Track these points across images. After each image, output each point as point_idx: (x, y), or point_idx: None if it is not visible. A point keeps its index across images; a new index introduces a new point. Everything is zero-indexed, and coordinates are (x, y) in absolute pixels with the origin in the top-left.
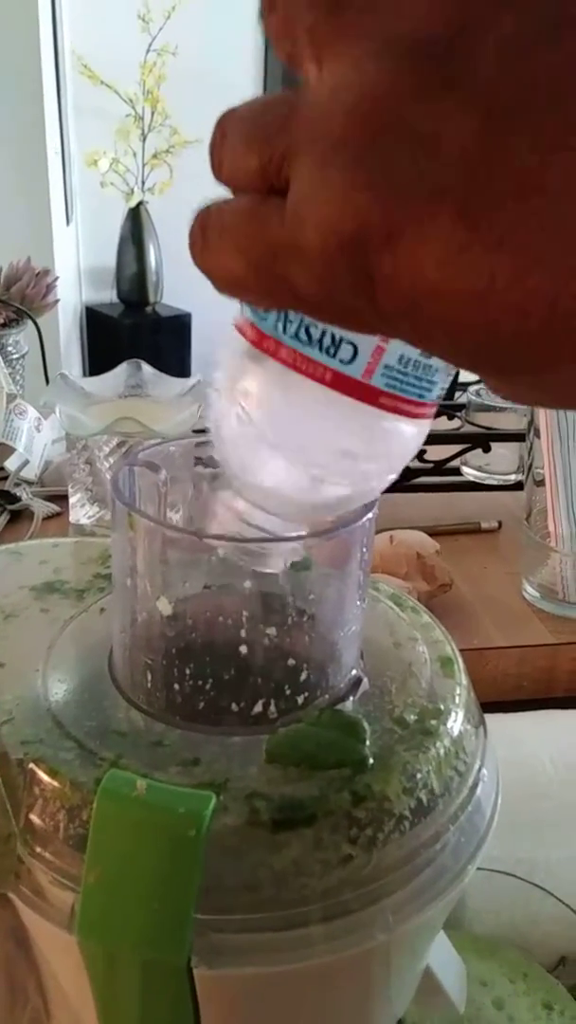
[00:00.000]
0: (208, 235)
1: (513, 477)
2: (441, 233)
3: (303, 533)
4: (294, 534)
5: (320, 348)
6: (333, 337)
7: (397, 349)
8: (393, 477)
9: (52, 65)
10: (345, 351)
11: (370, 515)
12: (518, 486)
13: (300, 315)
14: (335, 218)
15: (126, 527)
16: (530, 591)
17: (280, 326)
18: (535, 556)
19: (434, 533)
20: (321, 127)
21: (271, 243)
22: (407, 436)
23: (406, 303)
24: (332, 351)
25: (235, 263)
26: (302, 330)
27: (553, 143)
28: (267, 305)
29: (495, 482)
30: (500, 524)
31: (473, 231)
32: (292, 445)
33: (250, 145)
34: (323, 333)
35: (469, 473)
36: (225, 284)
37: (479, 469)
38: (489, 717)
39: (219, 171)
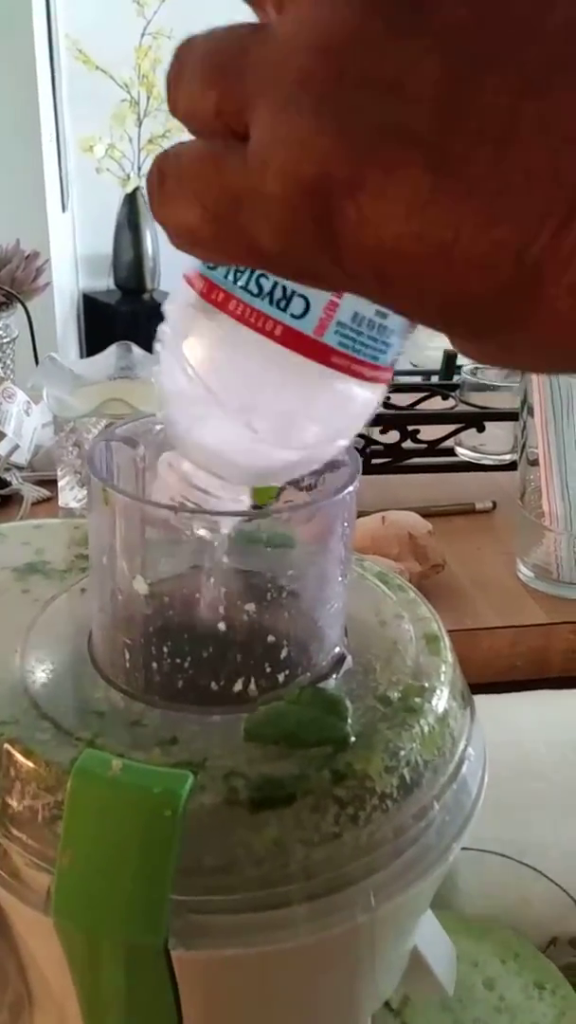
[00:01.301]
0: (165, 183)
1: (508, 457)
2: (407, 182)
3: (277, 506)
4: (242, 507)
5: (271, 301)
6: (284, 290)
7: (351, 306)
8: (343, 443)
9: (46, 50)
10: (296, 305)
11: (350, 488)
12: (513, 466)
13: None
14: (297, 165)
15: (102, 503)
16: (524, 571)
17: (230, 277)
18: (529, 536)
19: (428, 514)
20: (282, 68)
21: (230, 191)
22: (359, 400)
23: (370, 258)
24: (283, 304)
25: (192, 213)
26: (252, 281)
27: (524, 86)
28: (224, 260)
29: (489, 462)
30: (494, 504)
31: (440, 179)
32: (238, 403)
33: (207, 84)
34: (274, 285)
35: (463, 453)
36: (181, 237)
37: (473, 449)
38: (482, 698)
39: (175, 109)
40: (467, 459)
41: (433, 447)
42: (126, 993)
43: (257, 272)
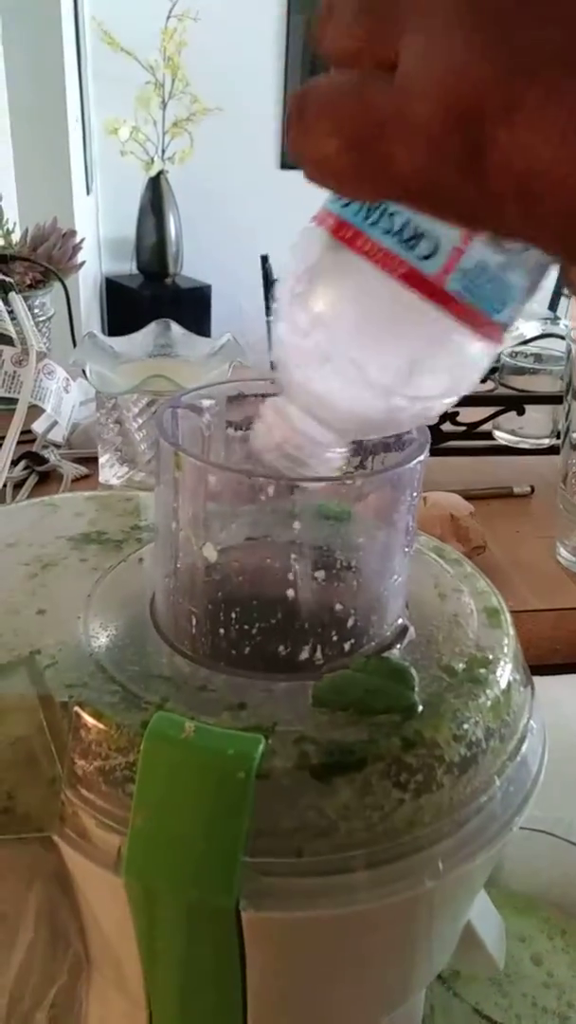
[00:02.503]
0: (305, 114)
1: (546, 441)
2: (565, 104)
3: (351, 473)
4: (339, 460)
5: (399, 239)
6: (415, 229)
7: (477, 254)
8: (451, 401)
9: (72, 32)
10: (424, 246)
11: (420, 458)
12: (550, 451)
13: (383, 203)
14: (450, 88)
15: (172, 468)
16: (564, 555)
17: (361, 214)
18: (570, 519)
19: (466, 497)
20: None
21: (374, 119)
22: (471, 355)
23: (518, 183)
24: (412, 244)
25: (332, 143)
26: (384, 218)
27: None
28: (360, 192)
29: (528, 446)
30: (532, 489)
31: None
32: (354, 345)
33: (359, 17)
34: (405, 224)
35: (501, 437)
36: (320, 168)
37: (511, 433)
38: None
39: (322, 43)
40: (505, 443)
41: (472, 430)
42: (192, 954)
43: (390, 210)
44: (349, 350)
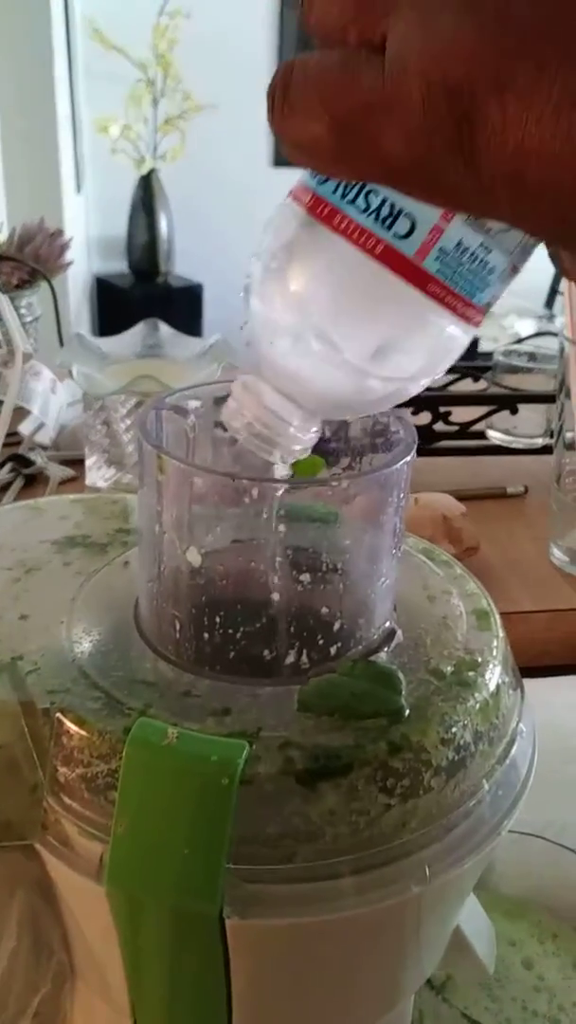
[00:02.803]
0: (290, 92)
1: (540, 441)
2: (558, 80)
3: (337, 475)
4: (310, 440)
5: (377, 218)
6: (392, 207)
7: (456, 234)
8: (425, 382)
9: (63, 29)
10: (402, 225)
11: (407, 459)
12: (544, 450)
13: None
14: (441, 65)
15: (155, 471)
16: (558, 555)
17: (339, 192)
18: (564, 520)
19: (458, 497)
20: None
21: (362, 98)
22: (448, 337)
23: (509, 161)
24: (389, 223)
25: (318, 123)
26: (361, 197)
27: None
28: (345, 173)
29: (520, 446)
30: (526, 489)
31: None
32: (329, 325)
33: None
34: (382, 202)
35: (494, 436)
36: (303, 149)
37: (505, 432)
38: None
39: (308, 18)
40: (498, 442)
41: (465, 429)
42: (177, 962)
43: (367, 187)
44: (322, 328)
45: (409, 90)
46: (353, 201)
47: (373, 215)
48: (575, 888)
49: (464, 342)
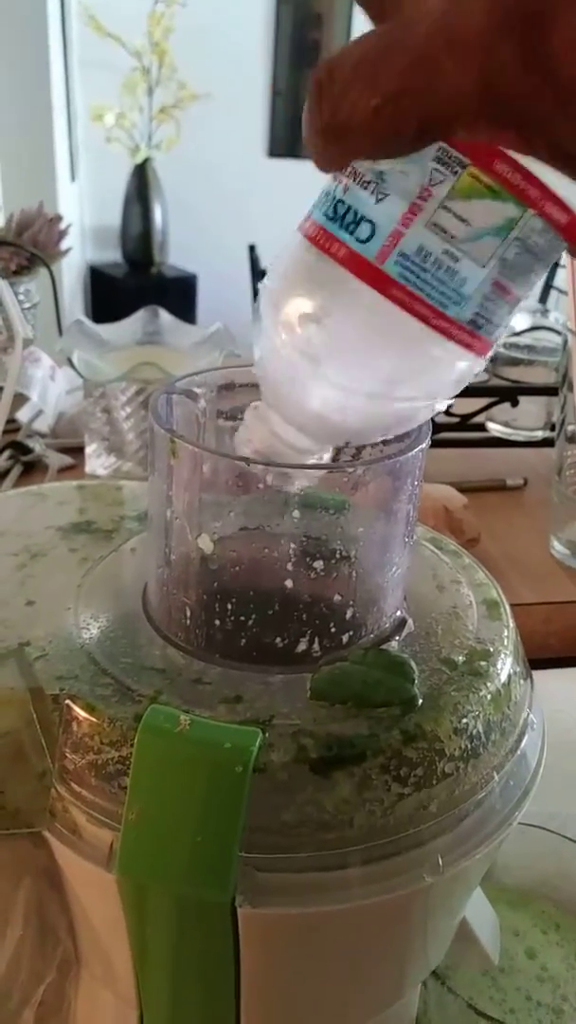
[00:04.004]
0: (337, 74)
1: (540, 433)
2: None
3: (352, 461)
4: (341, 460)
5: (342, 224)
6: (355, 214)
7: (417, 239)
8: (438, 406)
9: (58, 16)
10: (363, 230)
11: (423, 446)
12: (545, 442)
13: (335, 193)
14: None
15: (167, 455)
16: (558, 548)
17: (320, 207)
18: (565, 512)
19: (459, 489)
20: None
21: (415, 51)
22: (445, 364)
23: None
24: (351, 228)
25: (371, 95)
26: (332, 207)
27: None
28: (394, 142)
29: (521, 438)
30: (526, 481)
31: None
32: (333, 356)
33: None
34: (347, 210)
35: (494, 428)
36: (358, 129)
37: (505, 424)
38: None
39: None
40: (498, 435)
41: (465, 421)
42: (185, 950)
43: (337, 197)
44: (326, 361)
45: (474, 23)
46: (325, 212)
47: (339, 222)
48: None
49: (463, 372)
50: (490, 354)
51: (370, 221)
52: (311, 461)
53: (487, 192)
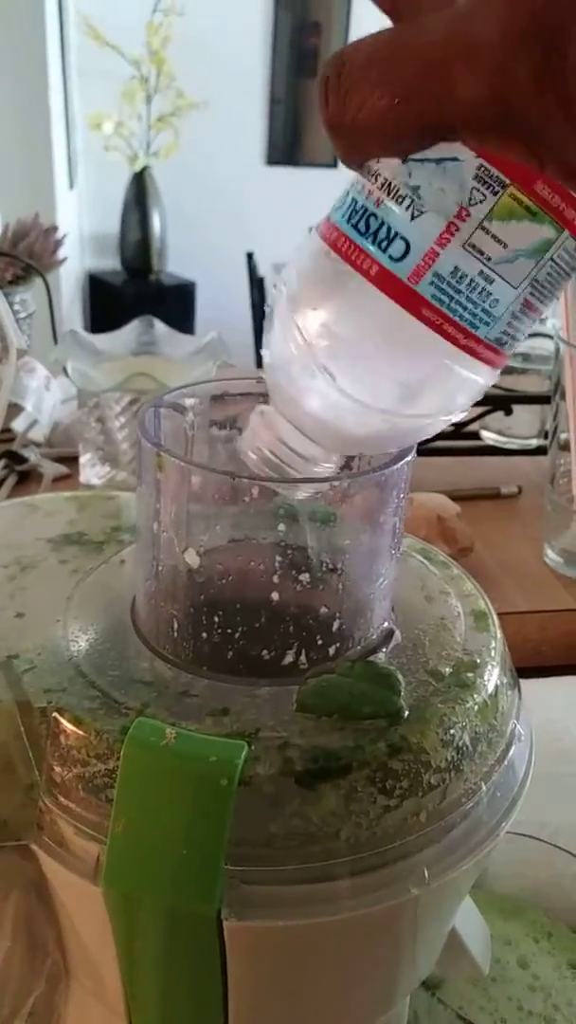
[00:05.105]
0: (347, 73)
1: (534, 442)
2: None
3: (338, 474)
4: (327, 474)
5: (374, 240)
6: (389, 230)
7: (452, 259)
8: (445, 419)
9: (56, 25)
10: (397, 247)
11: (408, 459)
12: (538, 451)
13: (365, 204)
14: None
15: (154, 468)
16: (552, 556)
17: (346, 214)
18: (558, 520)
19: (452, 498)
20: None
21: (429, 52)
22: (467, 382)
23: None
24: (384, 245)
25: (380, 95)
26: (362, 220)
27: None
28: (409, 142)
29: (515, 446)
30: (520, 489)
31: None
32: (350, 368)
33: None
34: (380, 225)
35: (488, 437)
36: (364, 127)
37: (499, 433)
38: None
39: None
40: (492, 443)
41: (459, 429)
42: (173, 963)
43: (369, 211)
44: (342, 372)
45: (488, 32)
46: (355, 225)
47: (371, 237)
48: (569, 888)
49: (477, 387)
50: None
51: (404, 239)
52: (318, 470)
53: (526, 214)
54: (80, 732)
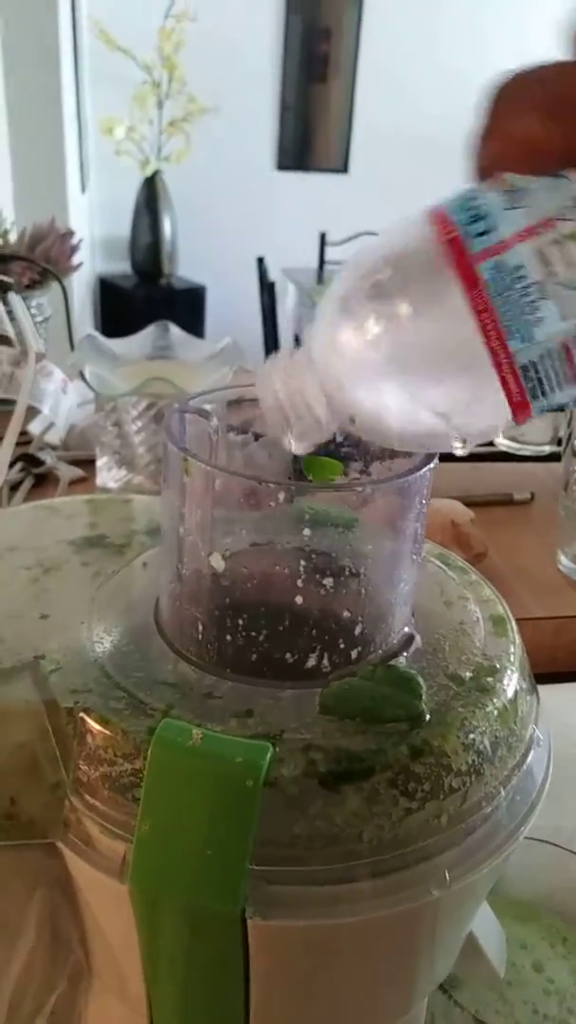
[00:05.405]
0: (505, 94)
1: (547, 448)
2: None
3: (361, 480)
4: (350, 477)
5: (466, 213)
6: (482, 210)
7: (520, 257)
8: (443, 445)
9: (69, 30)
10: (480, 226)
11: (431, 465)
12: (551, 457)
13: (473, 188)
14: None
15: (180, 473)
16: (566, 563)
17: (455, 200)
18: (572, 527)
19: (466, 503)
20: None
21: None
22: (485, 406)
23: None
24: (472, 219)
25: (537, 114)
26: (465, 199)
27: None
28: (555, 154)
29: (528, 452)
30: (533, 495)
31: None
32: (397, 355)
33: None
34: (478, 206)
35: (502, 443)
36: (520, 145)
37: (512, 439)
38: None
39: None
40: (505, 449)
41: None
42: (196, 962)
43: (473, 194)
44: (389, 356)
45: None
46: (459, 205)
47: (466, 212)
48: None
49: (492, 411)
50: (523, 422)
51: (492, 222)
52: (315, 436)
53: None
54: (107, 732)
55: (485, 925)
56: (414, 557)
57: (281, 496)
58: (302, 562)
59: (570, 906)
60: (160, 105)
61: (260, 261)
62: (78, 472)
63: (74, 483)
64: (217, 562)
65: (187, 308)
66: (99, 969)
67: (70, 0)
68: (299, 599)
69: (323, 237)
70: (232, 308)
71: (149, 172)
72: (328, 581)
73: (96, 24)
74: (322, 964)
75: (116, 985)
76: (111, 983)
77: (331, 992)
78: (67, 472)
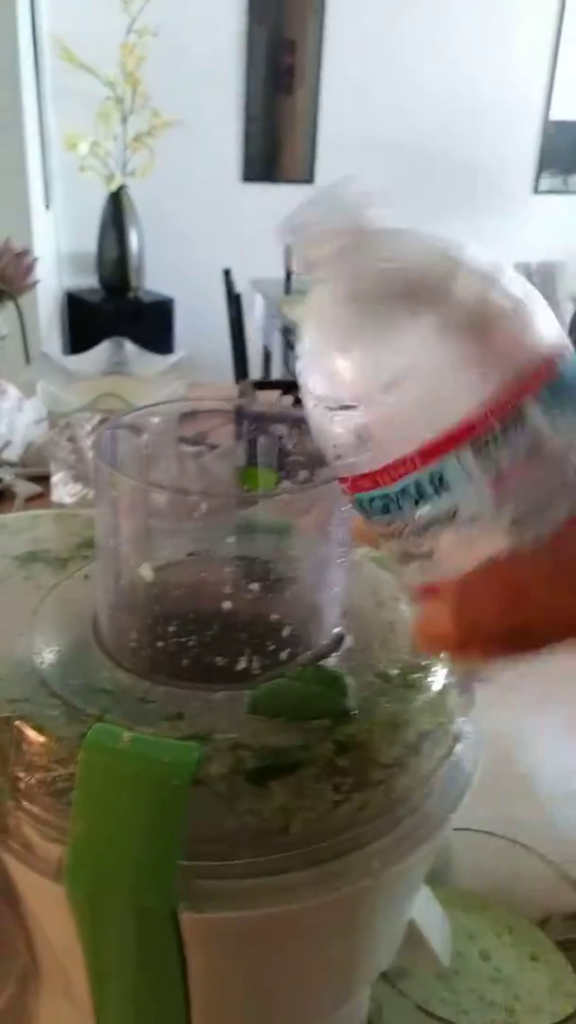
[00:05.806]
0: (471, 586)
1: None
2: None
3: (282, 487)
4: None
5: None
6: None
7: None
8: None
9: (30, 47)
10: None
11: None
12: None
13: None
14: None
15: (108, 488)
16: None
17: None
18: None
19: None
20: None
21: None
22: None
23: None
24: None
25: (496, 605)
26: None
27: None
28: (516, 645)
29: None
30: None
31: None
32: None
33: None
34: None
35: None
36: (476, 631)
37: None
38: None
39: None
40: None
41: None
42: (135, 959)
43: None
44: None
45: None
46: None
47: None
48: (530, 883)
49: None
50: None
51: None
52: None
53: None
54: (42, 739)
55: (428, 914)
56: (341, 561)
57: (208, 506)
58: (232, 568)
59: (516, 896)
60: (124, 120)
61: (227, 273)
62: (35, 488)
63: (31, 499)
64: (146, 572)
65: (155, 321)
66: (46, 971)
67: (30, 18)
68: (229, 604)
69: (289, 249)
70: (202, 320)
71: (114, 187)
72: (257, 586)
73: (58, 42)
74: (259, 956)
75: (63, 986)
76: (58, 984)
77: (270, 983)
78: (24, 489)
